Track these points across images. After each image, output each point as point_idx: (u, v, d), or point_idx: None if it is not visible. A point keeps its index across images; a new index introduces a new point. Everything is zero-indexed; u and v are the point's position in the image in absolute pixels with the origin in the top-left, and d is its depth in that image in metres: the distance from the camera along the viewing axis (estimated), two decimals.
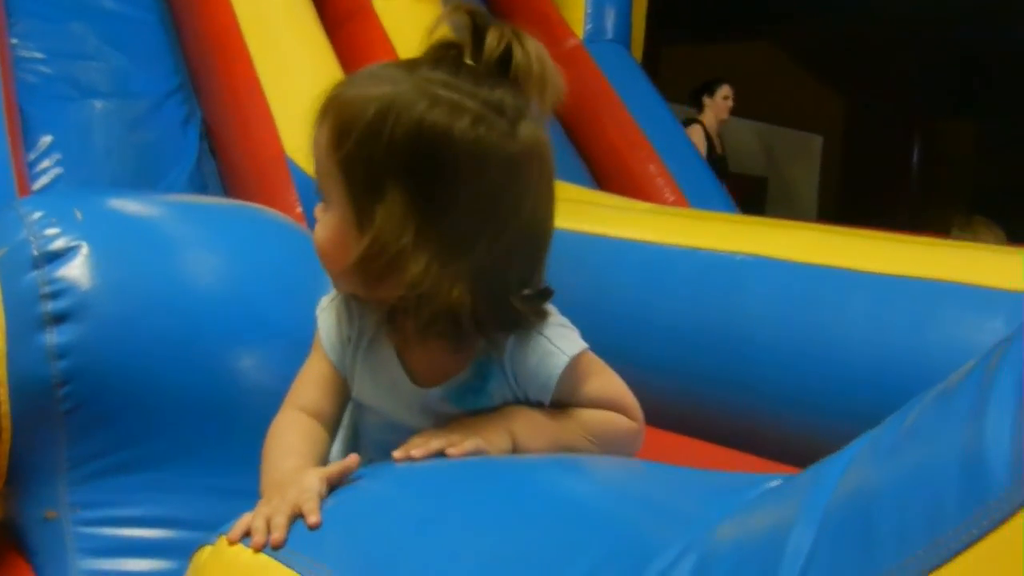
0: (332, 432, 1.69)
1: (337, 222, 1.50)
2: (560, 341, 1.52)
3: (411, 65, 1.49)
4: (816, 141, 14.11)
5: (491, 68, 1.47)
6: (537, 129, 1.48)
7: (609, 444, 1.55)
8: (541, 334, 1.52)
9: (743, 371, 2.84)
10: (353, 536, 1.21)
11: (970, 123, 13.07)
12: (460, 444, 1.38)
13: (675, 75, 11.36)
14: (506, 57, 1.47)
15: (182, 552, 1.99)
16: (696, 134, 8.35)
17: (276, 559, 1.21)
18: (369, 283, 1.50)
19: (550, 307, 1.55)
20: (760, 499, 1.01)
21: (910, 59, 12.62)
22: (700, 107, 8.93)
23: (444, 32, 1.51)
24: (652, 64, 9.86)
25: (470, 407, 1.53)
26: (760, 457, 2.58)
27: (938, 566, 0.73)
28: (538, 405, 1.54)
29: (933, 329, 2.52)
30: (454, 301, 1.43)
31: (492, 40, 1.47)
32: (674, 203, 6.37)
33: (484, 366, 1.53)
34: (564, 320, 1.58)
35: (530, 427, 1.49)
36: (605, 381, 1.59)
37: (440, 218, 1.43)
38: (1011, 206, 7.23)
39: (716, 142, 8.84)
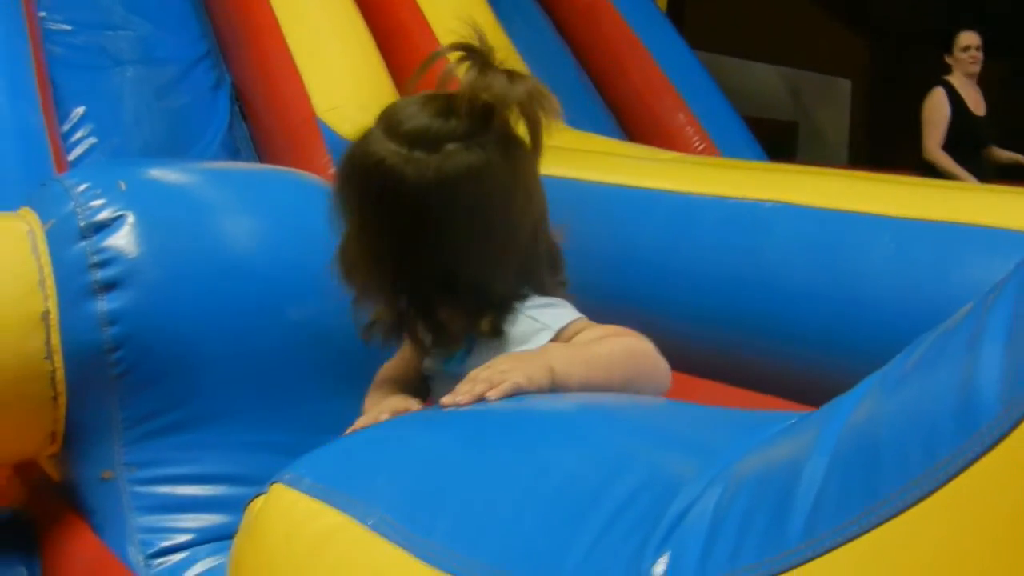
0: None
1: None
2: (545, 317, 1.74)
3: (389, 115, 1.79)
4: (844, 85, 14.05)
5: (474, 114, 1.71)
6: (471, 161, 1.70)
7: (635, 363, 1.70)
8: (525, 313, 1.75)
9: (768, 316, 2.88)
10: (401, 478, 1.29)
11: (997, 63, 12.99)
12: (499, 386, 1.50)
13: (701, 23, 11.33)
14: (486, 109, 1.71)
15: (231, 506, 2.10)
16: (932, 100, 7.53)
17: (328, 503, 1.28)
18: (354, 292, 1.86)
19: (536, 299, 1.78)
20: (781, 433, 1.07)
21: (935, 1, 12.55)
22: (947, 69, 7.72)
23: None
24: (677, 11, 9.84)
25: (456, 372, 1.73)
26: (785, 399, 2.62)
27: (936, 489, 0.79)
28: None
29: (956, 271, 2.54)
30: (381, 312, 1.81)
31: (464, 99, 1.70)
32: (703, 151, 6.38)
33: (471, 341, 1.78)
34: (550, 300, 1.78)
35: (566, 359, 1.61)
36: (603, 331, 1.73)
37: (372, 238, 1.77)
38: None
39: (972, 101, 7.64)
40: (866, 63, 13.69)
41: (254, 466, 2.15)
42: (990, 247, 2.52)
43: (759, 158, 6.47)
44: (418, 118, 1.73)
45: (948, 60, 7.61)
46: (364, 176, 1.76)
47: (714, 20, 11.70)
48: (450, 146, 1.70)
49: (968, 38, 7.64)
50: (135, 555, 2.13)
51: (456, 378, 1.64)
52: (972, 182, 6.80)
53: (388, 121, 1.76)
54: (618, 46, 6.81)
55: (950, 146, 7.12)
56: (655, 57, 6.75)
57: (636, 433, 1.32)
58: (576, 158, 3.77)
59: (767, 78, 13.02)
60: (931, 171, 6.92)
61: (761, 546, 0.91)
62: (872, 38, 13.52)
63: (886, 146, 12.55)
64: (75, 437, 2.25)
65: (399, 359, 2.01)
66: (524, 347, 1.70)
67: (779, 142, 11.23)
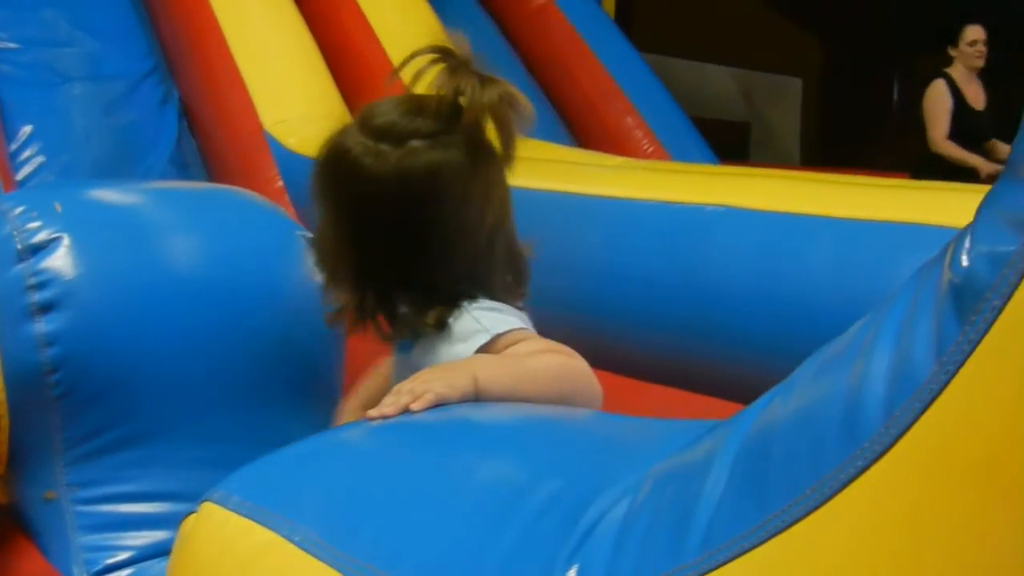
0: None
1: None
2: (487, 320, 1.77)
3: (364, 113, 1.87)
4: (795, 84, 14.13)
5: (443, 113, 1.77)
6: (433, 159, 1.78)
7: (565, 381, 1.71)
8: (470, 313, 1.78)
9: (713, 319, 2.90)
10: (326, 493, 1.31)
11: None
12: (423, 397, 1.53)
13: (650, 25, 11.37)
14: (456, 109, 1.77)
15: (174, 523, 2.08)
16: (934, 91, 7.40)
17: (256, 521, 1.30)
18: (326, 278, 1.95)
19: (484, 302, 1.81)
20: (691, 443, 1.09)
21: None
22: (949, 60, 7.58)
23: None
24: (625, 14, 9.88)
25: (413, 352, 1.83)
26: (731, 401, 2.64)
27: (820, 504, 0.81)
28: None
29: (897, 271, 2.55)
30: (341, 297, 1.88)
31: (433, 99, 1.78)
32: (652, 154, 6.41)
33: (415, 333, 1.83)
34: (498, 306, 1.81)
35: (491, 369, 1.64)
36: (540, 345, 1.77)
37: (336, 227, 1.87)
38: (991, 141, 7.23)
39: (972, 95, 7.47)
40: (817, 62, 13.77)
41: (196, 482, 2.15)
42: (933, 246, 2.53)
43: (708, 160, 6.51)
44: (389, 115, 1.81)
45: (952, 52, 7.52)
46: (333, 165, 1.84)
47: (664, 22, 11.75)
48: (414, 142, 1.77)
49: (975, 32, 7.52)
50: (80, 574, 2.14)
51: (408, 366, 1.78)
52: (985, 167, 6.82)
53: (363, 116, 1.85)
54: (566, 52, 6.84)
55: (950, 139, 7.12)
56: (603, 62, 6.78)
57: (556, 442, 1.34)
58: (521, 166, 3.78)
59: (718, 79, 13.09)
60: (933, 164, 6.90)
61: (661, 558, 0.93)
62: (823, 37, 13.60)
63: (838, 145, 12.64)
64: (18, 458, 2.26)
65: (374, 370, 2.13)
66: (461, 345, 1.75)
67: (731, 143, 11.29)
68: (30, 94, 4.99)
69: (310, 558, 1.20)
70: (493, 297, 1.83)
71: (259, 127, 4.68)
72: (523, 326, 1.80)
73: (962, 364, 0.77)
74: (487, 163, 1.81)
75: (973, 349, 0.76)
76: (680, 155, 6.37)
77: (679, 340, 3.01)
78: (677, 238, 3.09)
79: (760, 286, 2.85)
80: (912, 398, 0.79)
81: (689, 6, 12.24)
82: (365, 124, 1.82)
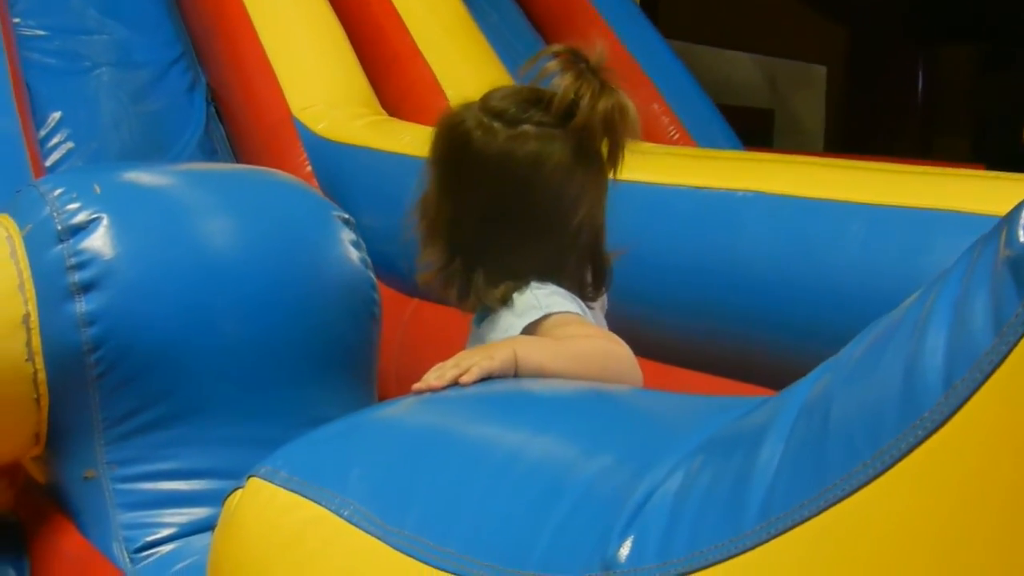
0: None
1: None
2: (545, 299, 1.86)
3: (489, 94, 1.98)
4: (820, 71, 14.09)
5: (559, 110, 1.87)
6: (540, 148, 1.88)
7: (606, 365, 1.77)
8: (532, 292, 1.87)
9: (742, 305, 2.90)
10: (374, 468, 1.32)
11: (972, 47, 13.04)
12: (470, 371, 1.60)
13: (676, 12, 11.35)
14: (571, 109, 1.87)
15: (213, 500, 2.13)
16: None
17: (304, 496, 1.31)
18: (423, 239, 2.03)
19: (550, 286, 1.90)
20: (741, 416, 1.11)
21: None
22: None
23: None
24: (651, 1, 9.86)
25: (482, 325, 1.94)
26: (760, 386, 2.65)
27: (880, 474, 0.83)
28: None
29: (925, 257, 2.55)
30: (430, 257, 1.98)
31: (551, 95, 1.89)
32: (678, 140, 6.40)
33: (484, 304, 1.94)
34: (560, 291, 1.90)
35: (529, 345, 1.73)
36: (588, 330, 1.86)
37: (442, 192, 1.97)
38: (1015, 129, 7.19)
39: None
40: (842, 50, 13.73)
41: (235, 460, 2.19)
42: (962, 232, 2.53)
43: (734, 147, 6.50)
44: (508, 99, 1.93)
45: None
46: (448, 134, 1.98)
47: (689, 9, 11.73)
48: (525, 127, 1.89)
49: None
50: (120, 551, 2.17)
51: (477, 338, 1.92)
52: None
53: (485, 96, 1.97)
54: (592, 38, 6.82)
55: None
56: (629, 48, 6.77)
57: (604, 416, 1.36)
58: None
59: (743, 66, 13.05)
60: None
61: (719, 528, 0.94)
62: (848, 25, 13.56)
63: (862, 133, 12.60)
64: (57, 438, 2.28)
65: None
66: (516, 319, 1.85)
67: (755, 130, 11.25)
68: (59, 81, 5.00)
69: (359, 532, 1.21)
70: (567, 287, 1.92)
71: (288, 113, 4.69)
72: (578, 311, 1.87)
73: (1022, 336, 0.77)
74: (589, 166, 1.91)
75: None
76: (706, 142, 6.36)
77: (708, 325, 3.02)
78: (706, 223, 3.09)
79: (790, 272, 2.85)
80: (972, 369, 0.80)
81: None
82: (485, 103, 1.94)
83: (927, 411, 0.81)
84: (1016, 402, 0.77)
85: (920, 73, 13.35)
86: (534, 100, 1.90)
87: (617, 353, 1.79)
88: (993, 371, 0.78)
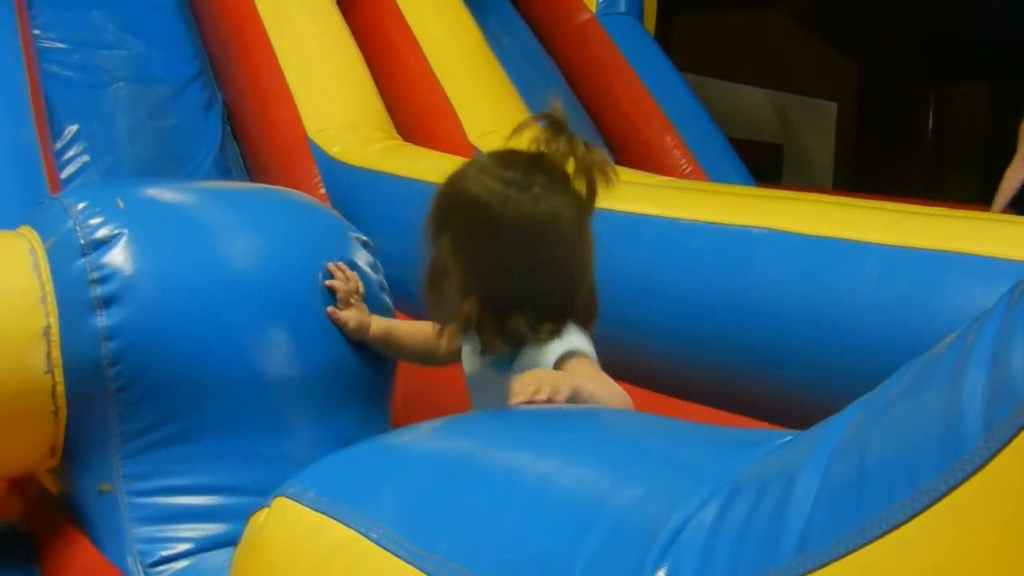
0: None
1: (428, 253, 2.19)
2: (566, 339, 2.06)
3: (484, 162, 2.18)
4: (831, 108, 14.13)
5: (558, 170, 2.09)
6: (555, 205, 2.07)
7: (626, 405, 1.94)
8: (557, 339, 2.06)
9: (755, 341, 2.91)
10: (405, 491, 1.33)
11: (984, 86, 13.07)
12: (560, 390, 1.78)
13: (688, 45, 11.39)
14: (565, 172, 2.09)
15: (230, 516, 2.14)
16: None
17: (333, 517, 1.32)
18: (434, 298, 2.20)
19: (571, 328, 2.09)
20: (775, 451, 1.12)
21: (922, 23, 12.62)
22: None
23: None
24: (664, 33, 9.89)
25: (502, 372, 2.09)
26: (772, 423, 2.65)
27: (918, 513, 0.84)
28: None
29: (938, 299, 2.56)
30: (465, 312, 2.10)
31: (556, 150, 2.09)
32: (690, 174, 6.42)
33: (517, 348, 2.09)
34: (580, 330, 2.11)
35: (587, 382, 1.90)
36: (601, 377, 2.03)
37: (464, 256, 2.12)
38: None
39: None
40: (853, 86, 13.76)
41: (251, 477, 2.20)
42: (975, 275, 2.54)
43: (746, 181, 6.52)
44: (510, 166, 2.11)
45: None
46: (462, 205, 2.13)
47: (702, 42, 11.77)
48: (536, 190, 2.06)
49: None
50: (134, 565, 2.17)
51: (499, 377, 2.07)
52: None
53: (483, 166, 2.15)
54: (607, 68, 6.86)
55: None
56: (643, 80, 6.80)
57: (636, 448, 1.36)
58: None
59: (753, 100, 13.09)
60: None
61: (756, 561, 0.95)
62: (860, 62, 13.59)
63: (872, 170, 12.62)
64: (74, 450, 2.29)
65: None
66: (541, 355, 2.04)
67: (765, 164, 11.29)
68: (77, 94, 5.02)
69: (389, 555, 1.22)
70: (575, 321, 2.11)
71: (303, 134, 4.70)
72: (591, 352, 2.08)
73: None
74: (587, 214, 2.12)
75: None
76: (717, 176, 6.38)
77: (720, 361, 3.02)
78: (720, 259, 3.09)
79: (803, 310, 2.85)
80: (1013, 413, 0.81)
81: (727, 27, 12.26)
82: (487, 171, 2.13)
83: (967, 453, 0.83)
84: None
85: (931, 111, 13.38)
86: (532, 163, 2.09)
87: (627, 400, 1.96)
88: None
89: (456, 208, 2.15)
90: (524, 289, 2.10)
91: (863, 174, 12.73)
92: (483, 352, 2.15)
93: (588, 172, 2.08)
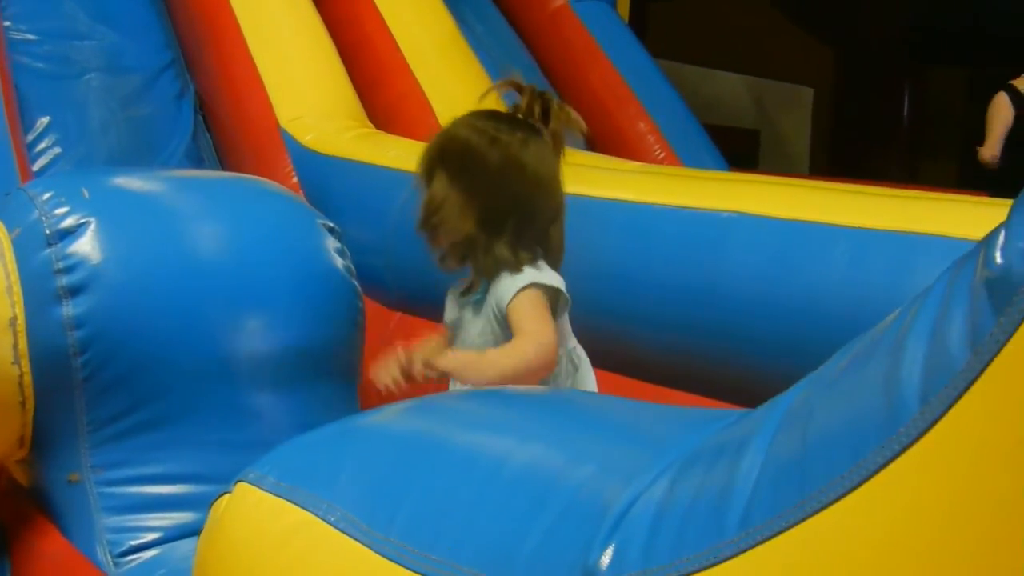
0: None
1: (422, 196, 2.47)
2: (531, 273, 2.36)
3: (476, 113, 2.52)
4: (807, 93, 14.15)
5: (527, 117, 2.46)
6: (533, 149, 2.42)
7: (517, 370, 2.26)
8: (531, 267, 2.38)
9: (726, 325, 2.92)
10: (362, 475, 1.33)
11: (960, 70, 13.10)
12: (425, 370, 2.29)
13: (663, 30, 11.40)
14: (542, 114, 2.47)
15: (199, 504, 2.14)
16: (996, 105, 6.95)
17: (291, 501, 1.32)
18: (422, 232, 2.46)
19: (542, 263, 2.42)
20: (723, 429, 1.13)
21: (897, 7, 12.65)
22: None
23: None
24: (640, 19, 9.90)
25: (476, 311, 2.44)
26: (744, 406, 2.66)
27: (857, 486, 0.85)
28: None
29: (908, 280, 2.57)
30: (467, 232, 2.38)
31: (527, 104, 2.48)
32: (664, 160, 6.43)
33: (484, 285, 2.42)
34: (551, 274, 2.41)
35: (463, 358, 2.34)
36: (535, 327, 2.33)
37: (460, 187, 2.41)
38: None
39: None
40: (829, 72, 13.79)
41: (219, 464, 2.21)
42: (945, 256, 2.54)
43: (720, 166, 6.53)
44: (496, 119, 2.46)
45: None
46: (458, 149, 2.44)
47: (678, 28, 11.78)
48: (519, 134, 2.42)
49: None
50: (104, 555, 2.18)
51: (474, 318, 2.43)
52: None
53: (470, 122, 2.47)
54: (581, 55, 6.87)
55: (1010, 149, 6.84)
56: (617, 67, 6.80)
57: (590, 427, 1.38)
58: None
59: (730, 86, 13.10)
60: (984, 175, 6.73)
61: (701, 537, 0.96)
62: (836, 47, 13.62)
63: (848, 155, 12.65)
64: (42, 441, 2.29)
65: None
66: (510, 291, 2.34)
67: (741, 150, 11.30)
68: (48, 85, 5.00)
69: (345, 538, 1.23)
70: (548, 255, 2.45)
71: (275, 123, 4.70)
72: (555, 283, 2.39)
73: (997, 353, 0.80)
74: (560, 156, 2.48)
75: (1008, 339, 0.80)
76: (691, 161, 6.39)
77: (693, 345, 3.03)
78: (692, 244, 3.10)
79: (774, 292, 2.87)
80: (948, 386, 0.82)
81: (703, 13, 12.27)
82: (477, 123, 2.46)
83: (903, 426, 0.83)
84: (990, 418, 0.79)
85: (907, 97, 13.41)
86: (510, 117, 2.47)
87: (524, 361, 2.27)
88: (968, 387, 0.80)
89: (451, 151, 2.45)
90: (509, 217, 2.39)
91: (840, 159, 12.76)
92: (476, 274, 2.44)
93: (556, 121, 2.45)
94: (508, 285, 2.35)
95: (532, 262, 2.39)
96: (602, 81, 6.78)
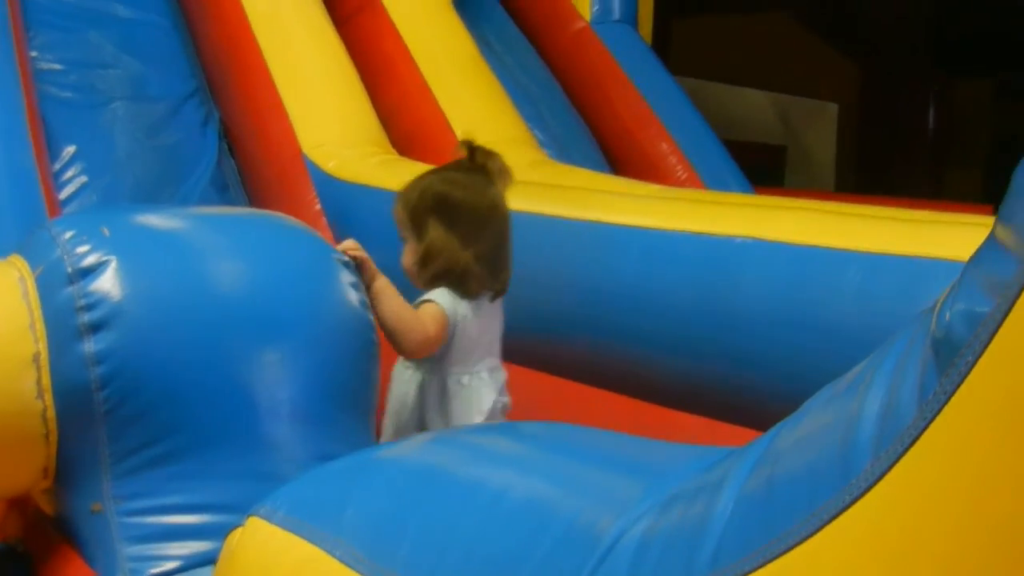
0: None
1: (411, 247, 2.89)
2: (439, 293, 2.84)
3: (441, 169, 3.05)
4: (832, 108, 14.13)
5: (477, 168, 2.92)
6: (498, 194, 2.90)
7: (397, 319, 2.74)
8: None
9: (739, 349, 2.95)
10: (367, 509, 1.38)
11: (985, 84, 13.07)
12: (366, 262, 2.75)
13: (688, 47, 11.42)
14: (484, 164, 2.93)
15: (217, 534, 2.19)
16: None
17: (300, 535, 1.37)
18: (421, 273, 2.87)
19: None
20: (708, 467, 1.17)
21: (922, 22, 12.63)
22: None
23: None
24: (663, 37, 9.92)
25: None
26: (757, 431, 2.68)
27: (815, 532, 0.89)
28: None
29: (919, 304, 2.58)
30: (464, 263, 2.81)
31: (479, 159, 2.94)
32: (686, 180, 6.44)
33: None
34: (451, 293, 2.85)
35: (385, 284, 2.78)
36: (423, 310, 2.81)
37: (452, 230, 2.83)
38: None
39: None
40: (854, 87, 13.77)
41: (239, 494, 2.25)
42: (952, 280, 2.56)
43: (742, 186, 6.54)
44: (456, 172, 2.94)
45: None
46: (437, 200, 2.87)
47: (702, 45, 11.79)
48: (487, 185, 2.90)
49: None
50: None
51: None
52: None
53: (446, 169, 3.00)
54: (602, 76, 6.90)
55: None
56: (638, 87, 6.83)
57: (584, 462, 1.42)
58: (554, 194, 3.86)
59: (755, 103, 13.10)
60: None
61: (675, 573, 1.00)
62: (861, 62, 13.60)
63: (874, 170, 12.63)
64: (66, 472, 2.35)
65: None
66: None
67: (767, 166, 11.32)
68: (74, 115, 5.04)
69: (351, 572, 1.27)
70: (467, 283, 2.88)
71: (298, 150, 4.75)
72: (445, 305, 2.80)
73: (938, 412, 0.84)
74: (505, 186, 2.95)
75: (948, 400, 0.84)
76: (714, 182, 6.41)
77: (705, 369, 3.07)
78: (705, 269, 3.14)
79: (787, 317, 2.89)
80: (896, 441, 0.86)
81: (727, 30, 12.28)
82: (447, 172, 2.96)
83: (855, 477, 0.88)
84: (933, 473, 0.83)
85: (932, 108, 13.38)
86: (467, 167, 2.92)
87: (408, 323, 2.74)
88: (912, 443, 0.85)
89: (431, 203, 2.86)
90: (482, 254, 2.84)
91: (865, 173, 12.74)
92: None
93: (491, 162, 2.91)
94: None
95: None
96: (624, 102, 6.81)
